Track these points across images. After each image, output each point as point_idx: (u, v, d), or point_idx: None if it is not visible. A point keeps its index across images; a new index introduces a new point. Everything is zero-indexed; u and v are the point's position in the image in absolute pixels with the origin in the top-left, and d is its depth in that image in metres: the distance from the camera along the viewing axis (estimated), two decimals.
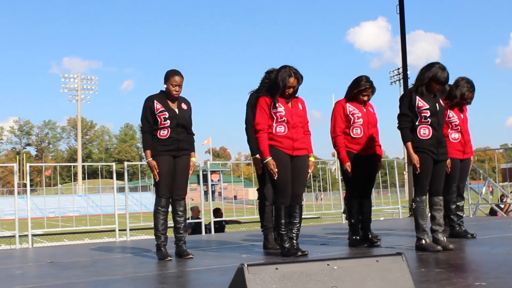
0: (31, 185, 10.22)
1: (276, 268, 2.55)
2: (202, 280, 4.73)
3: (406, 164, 13.43)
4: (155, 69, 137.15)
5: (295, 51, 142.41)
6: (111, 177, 9.57)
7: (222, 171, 68.27)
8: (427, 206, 5.95)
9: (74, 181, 76.22)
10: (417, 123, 5.83)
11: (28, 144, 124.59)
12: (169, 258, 6.06)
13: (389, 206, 15.24)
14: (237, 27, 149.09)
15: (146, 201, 31.00)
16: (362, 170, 6.49)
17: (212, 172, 63.87)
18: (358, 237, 6.59)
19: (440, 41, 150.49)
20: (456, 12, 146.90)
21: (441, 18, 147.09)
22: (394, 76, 68.64)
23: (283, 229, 5.81)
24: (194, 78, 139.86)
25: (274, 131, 5.79)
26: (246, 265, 2.49)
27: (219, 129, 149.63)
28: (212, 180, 65.73)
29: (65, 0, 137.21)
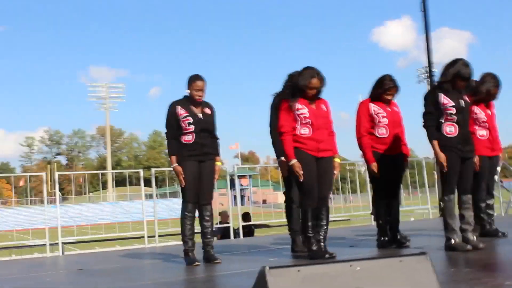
0: (62, 194, 10.32)
1: (298, 270, 2.52)
2: (229, 285, 4.72)
3: (435, 163, 13.29)
4: (182, 75, 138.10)
5: (320, 52, 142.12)
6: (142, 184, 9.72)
7: (250, 175, 68.36)
8: (456, 205, 5.86)
9: (103, 189, 76.92)
10: (442, 121, 5.75)
11: (59, 154, 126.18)
12: (197, 263, 6.06)
13: (419, 207, 15.11)
14: (263, 31, 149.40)
15: (175, 207, 31.15)
16: (389, 170, 6.42)
17: (241, 176, 63.96)
18: (386, 238, 6.52)
19: (467, 38, 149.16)
20: (483, 8, 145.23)
21: (467, 14, 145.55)
22: (421, 74, 67.98)
23: (310, 232, 5.78)
24: (221, 83, 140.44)
25: (298, 133, 5.77)
26: (267, 268, 2.47)
27: (247, 133, 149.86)
28: (241, 185, 65.87)
29: (90, 10, 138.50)
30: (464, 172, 5.82)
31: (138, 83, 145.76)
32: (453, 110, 5.71)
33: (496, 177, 7.91)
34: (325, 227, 5.87)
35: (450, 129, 5.73)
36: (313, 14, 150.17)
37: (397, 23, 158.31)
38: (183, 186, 6.16)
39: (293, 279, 2.51)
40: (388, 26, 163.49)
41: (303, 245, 6.46)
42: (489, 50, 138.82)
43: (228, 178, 11.80)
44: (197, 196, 6.18)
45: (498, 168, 7.50)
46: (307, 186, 5.73)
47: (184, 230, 6.19)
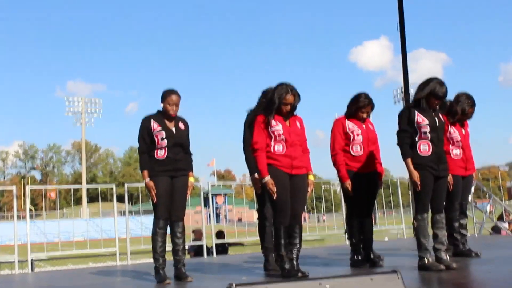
0: (35, 209, 10.14)
1: None
2: None
3: (410, 183, 13.33)
4: (159, 91, 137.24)
5: (298, 70, 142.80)
6: (117, 200, 9.53)
7: (226, 193, 68.13)
8: (429, 224, 5.84)
9: (77, 205, 76.10)
10: (416, 139, 5.73)
11: (33, 168, 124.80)
12: (168, 281, 5.94)
13: (394, 226, 15.11)
14: (239, 48, 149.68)
15: (148, 224, 30.82)
16: (363, 188, 6.39)
17: (216, 194, 63.72)
18: (360, 257, 6.47)
19: (443, 59, 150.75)
20: (458, 30, 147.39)
21: (443, 36, 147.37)
22: (397, 95, 68.65)
23: (283, 250, 5.71)
24: (199, 100, 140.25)
25: (272, 150, 5.70)
26: (234, 285, 2.40)
27: (224, 151, 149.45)
28: (216, 203, 65.57)
29: (67, 24, 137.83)
30: (438, 191, 5.80)
31: (115, 99, 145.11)
32: (428, 129, 5.70)
33: (469, 197, 7.91)
34: (298, 245, 5.80)
35: (424, 148, 5.72)
36: (293, 31, 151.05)
37: (375, 43, 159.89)
38: (154, 202, 6.06)
39: None
40: (366, 46, 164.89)
41: (276, 263, 6.38)
42: (463, 71, 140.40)
43: (202, 195, 11.68)
44: (169, 212, 6.08)
45: (472, 188, 7.49)
46: (280, 204, 5.66)
47: (155, 247, 6.08)
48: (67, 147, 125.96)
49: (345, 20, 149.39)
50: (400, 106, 67.08)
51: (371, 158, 6.47)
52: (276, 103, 5.67)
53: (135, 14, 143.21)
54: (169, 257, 6.16)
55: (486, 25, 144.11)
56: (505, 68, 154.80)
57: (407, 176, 5.95)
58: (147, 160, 6.10)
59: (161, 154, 6.05)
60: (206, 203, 11.82)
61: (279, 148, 5.70)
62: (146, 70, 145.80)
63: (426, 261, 5.67)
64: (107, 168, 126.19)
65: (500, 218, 12.80)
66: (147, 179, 6.05)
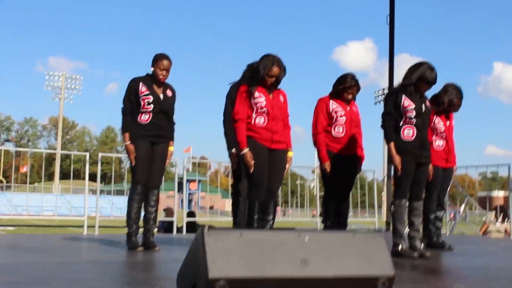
0: (6, 182, 9.93)
1: (240, 234, 2.31)
2: (166, 268, 4.48)
3: (385, 180, 13.27)
4: (141, 73, 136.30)
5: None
6: (90, 179, 9.29)
7: (200, 180, 67.82)
8: (406, 211, 5.71)
9: (49, 181, 75.31)
10: (401, 123, 5.59)
11: (7, 140, 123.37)
12: (140, 248, 5.78)
13: (366, 219, 15.08)
14: (222, 43, 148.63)
15: (120, 204, 30.58)
16: (342, 170, 6.26)
17: (190, 181, 63.42)
18: None
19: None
20: (442, 38, 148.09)
21: (427, 43, 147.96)
22: (378, 96, 68.83)
23: (255, 226, 5.55)
24: (177, 84, 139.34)
25: (253, 122, 5.53)
26: (206, 228, 2.25)
27: (200, 138, 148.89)
28: (189, 189, 65.28)
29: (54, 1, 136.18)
30: (418, 178, 5.67)
31: (96, 77, 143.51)
32: (413, 113, 5.55)
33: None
34: (271, 221, 5.67)
35: (408, 132, 5.57)
36: (278, 25, 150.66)
37: (359, 44, 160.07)
38: (133, 165, 5.87)
39: (233, 242, 2.28)
40: (350, 46, 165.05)
41: None
42: (445, 80, 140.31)
43: (176, 180, 11.49)
44: (147, 177, 5.90)
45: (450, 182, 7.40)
46: (257, 178, 5.50)
47: (130, 212, 5.89)
48: (44, 122, 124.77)
49: (331, 18, 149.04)
50: (380, 107, 67.41)
51: (353, 141, 6.34)
52: (260, 74, 5.51)
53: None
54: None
55: (469, 36, 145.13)
56: (484, 79, 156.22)
57: (381, 178, 5.83)
58: (129, 122, 5.90)
59: (145, 118, 5.86)
60: (179, 189, 11.67)
61: (260, 120, 5.54)
62: (129, 52, 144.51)
63: (400, 247, 5.55)
64: (83, 146, 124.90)
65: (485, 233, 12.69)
66: (128, 142, 5.86)
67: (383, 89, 65.79)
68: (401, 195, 5.61)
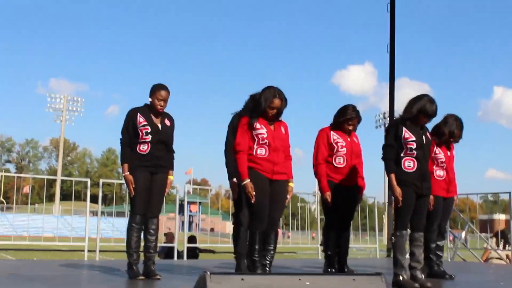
0: (7, 203, 9.96)
1: (242, 279, 2.33)
2: None
3: (386, 205, 13.28)
4: (140, 97, 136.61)
5: (280, 86, 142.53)
6: (91, 200, 9.34)
7: (201, 202, 67.73)
8: (407, 242, 5.74)
9: (50, 202, 75.15)
10: (402, 155, 5.63)
11: (8, 161, 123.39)
12: (141, 277, 5.80)
13: (367, 245, 15.05)
14: (222, 64, 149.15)
15: (120, 226, 30.48)
16: (343, 201, 6.30)
17: (191, 203, 63.31)
18: (333, 270, 6.36)
19: (425, 90, 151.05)
20: (442, 63, 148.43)
21: (427, 67, 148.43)
22: (379, 120, 69.02)
23: (256, 256, 5.57)
24: (178, 108, 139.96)
25: (254, 153, 5.58)
26: (208, 273, 2.27)
27: (201, 161, 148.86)
28: (190, 211, 65.15)
29: (54, 21, 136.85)
30: (419, 209, 5.70)
31: (97, 99, 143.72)
32: (414, 145, 5.60)
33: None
34: (272, 251, 5.69)
35: (409, 164, 5.62)
36: (279, 46, 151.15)
37: (359, 68, 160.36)
38: (132, 196, 5.91)
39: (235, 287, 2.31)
40: (350, 70, 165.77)
41: (247, 269, 6.26)
42: (445, 104, 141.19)
43: (177, 201, 11.52)
44: (146, 208, 5.94)
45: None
46: (258, 208, 5.54)
47: (130, 242, 5.92)
48: (45, 143, 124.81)
49: (332, 42, 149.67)
50: (381, 131, 67.54)
51: (354, 171, 6.38)
52: (262, 106, 5.56)
53: (122, 16, 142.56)
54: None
55: (469, 60, 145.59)
56: (484, 103, 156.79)
57: (382, 201, 5.86)
58: (128, 153, 5.95)
59: (143, 148, 5.91)
60: (180, 211, 11.69)
61: (261, 151, 5.59)
62: (129, 74, 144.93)
63: (401, 278, 5.55)
64: (84, 167, 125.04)
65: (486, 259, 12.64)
66: (127, 173, 5.90)
67: (384, 113, 66.05)
68: (402, 226, 5.63)
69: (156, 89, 5.99)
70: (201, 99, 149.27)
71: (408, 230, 5.74)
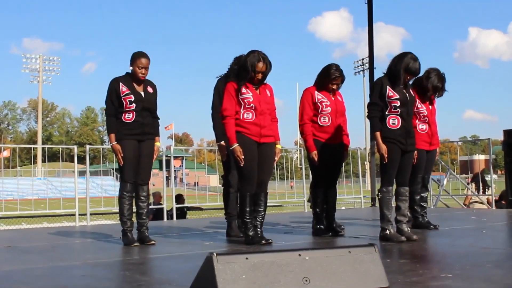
0: None
1: (246, 258, 2.47)
2: (165, 268, 4.63)
3: (368, 154, 13.48)
4: (117, 53, 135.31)
5: (256, 38, 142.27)
6: (72, 161, 9.37)
7: (184, 157, 67.93)
8: (393, 197, 5.93)
9: (33, 164, 74.93)
10: (386, 113, 5.78)
11: None
12: (136, 244, 5.94)
13: (351, 196, 15.32)
14: (201, 15, 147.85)
15: (107, 185, 30.61)
16: (329, 159, 6.44)
17: (175, 157, 63.46)
18: (322, 226, 6.55)
19: (402, 33, 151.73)
20: (416, 6, 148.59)
21: (402, 11, 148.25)
22: (358, 66, 69.03)
23: (247, 217, 5.74)
24: (157, 63, 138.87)
25: (241, 117, 5.70)
26: (215, 254, 2.40)
27: (182, 115, 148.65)
28: (174, 166, 65.36)
29: None
30: (404, 165, 5.87)
31: (72, 58, 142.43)
32: (398, 103, 5.73)
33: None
34: (263, 213, 5.85)
35: (393, 122, 5.76)
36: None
37: (334, 14, 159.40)
38: (121, 165, 6.01)
39: (241, 267, 2.45)
40: (326, 16, 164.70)
41: (239, 229, 6.43)
42: (421, 47, 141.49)
43: (164, 158, 11.67)
44: (136, 175, 6.05)
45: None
46: (247, 172, 5.69)
47: (123, 209, 6.05)
48: (23, 105, 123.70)
49: None
50: (360, 77, 67.71)
51: (339, 130, 6.51)
52: (248, 71, 5.65)
53: None
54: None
55: (443, 2, 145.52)
56: (460, 45, 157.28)
57: (363, 146, 6.01)
58: (114, 123, 6.02)
59: (129, 117, 5.98)
60: (163, 166, 11.81)
61: (248, 115, 5.71)
62: (104, 30, 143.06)
63: (388, 232, 5.77)
64: (64, 127, 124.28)
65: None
66: (114, 142, 5.99)
67: (362, 59, 66.07)
68: (388, 182, 5.82)
69: (136, 57, 6.03)
70: (179, 53, 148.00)
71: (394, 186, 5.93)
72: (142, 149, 6.09)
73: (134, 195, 6.11)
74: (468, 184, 13.01)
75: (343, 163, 6.87)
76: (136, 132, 6.02)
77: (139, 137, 6.05)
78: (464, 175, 22.50)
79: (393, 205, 5.97)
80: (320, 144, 6.42)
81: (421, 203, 7.15)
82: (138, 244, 5.95)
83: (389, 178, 5.82)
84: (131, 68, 6.05)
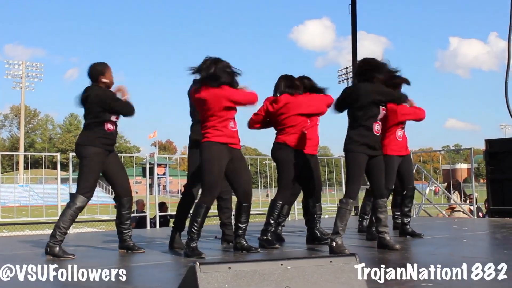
0: None
1: (229, 268, 2.50)
2: (148, 276, 4.63)
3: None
4: (100, 59, 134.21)
5: (237, 46, 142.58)
6: (54, 168, 9.29)
7: (168, 164, 67.85)
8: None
9: (15, 171, 74.39)
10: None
11: None
12: (122, 251, 6.09)
13: (334, 205, 15.37)
14: (181, 22, 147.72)
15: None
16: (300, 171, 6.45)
17: (158, 165, 63.32)
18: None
19: (383, 42, 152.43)
20: (398, 15, 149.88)
21: (384, 20, 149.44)
22: (342, 75, 69.35)
23: (196, 228, 5.58)
24: (140, 70, 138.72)
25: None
26: (198, 264, 2.43)
27: (165, 122, 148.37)
28: (157, 174, 65.24)
29: None
30: (375, 177, 5.87)
31: (55, 64, 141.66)
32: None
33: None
34: (246, 224, 5.79)
35: (364, 131, 5.76)
36: (235, 5, 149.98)
37: (316, 23, 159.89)
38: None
39: (223, 276, 2.48)
40: (308, 25, 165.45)
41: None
42: (403, 56, 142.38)
43: (147, 166, 11.67)
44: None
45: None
46: (211, 183, 5.58)
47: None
48: (5, 111, 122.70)
49: None
50: (344, 86, 68.06)
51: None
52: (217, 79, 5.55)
53: None
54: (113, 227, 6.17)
55: (424, 12, 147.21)
56: (441, 54, 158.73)
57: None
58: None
59: (110, 128, 5.93)
60: (146, 174, 11.82)
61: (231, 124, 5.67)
62: (87, 36, 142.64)
63: (334, 244, 5.57)
64: (46, 134, 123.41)
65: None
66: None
67: (346, 68, 66.38)
68: (349, 195, 5.74)
69: (107, 67, 5.95)
70: (162, 60, 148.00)
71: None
72: (111, 160, 6.00)
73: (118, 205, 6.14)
74: (451, 193, 13.11)
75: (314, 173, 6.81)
76: (112, 143, 6.00)
77: (111, 148, 6.00)
78: (445, 184, 22.65)
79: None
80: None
81: (407, 213, 7.23)
82: (124, 251, 5.99)
83: (352, 191, 5.75)
84: (105, 80, 5.92)
